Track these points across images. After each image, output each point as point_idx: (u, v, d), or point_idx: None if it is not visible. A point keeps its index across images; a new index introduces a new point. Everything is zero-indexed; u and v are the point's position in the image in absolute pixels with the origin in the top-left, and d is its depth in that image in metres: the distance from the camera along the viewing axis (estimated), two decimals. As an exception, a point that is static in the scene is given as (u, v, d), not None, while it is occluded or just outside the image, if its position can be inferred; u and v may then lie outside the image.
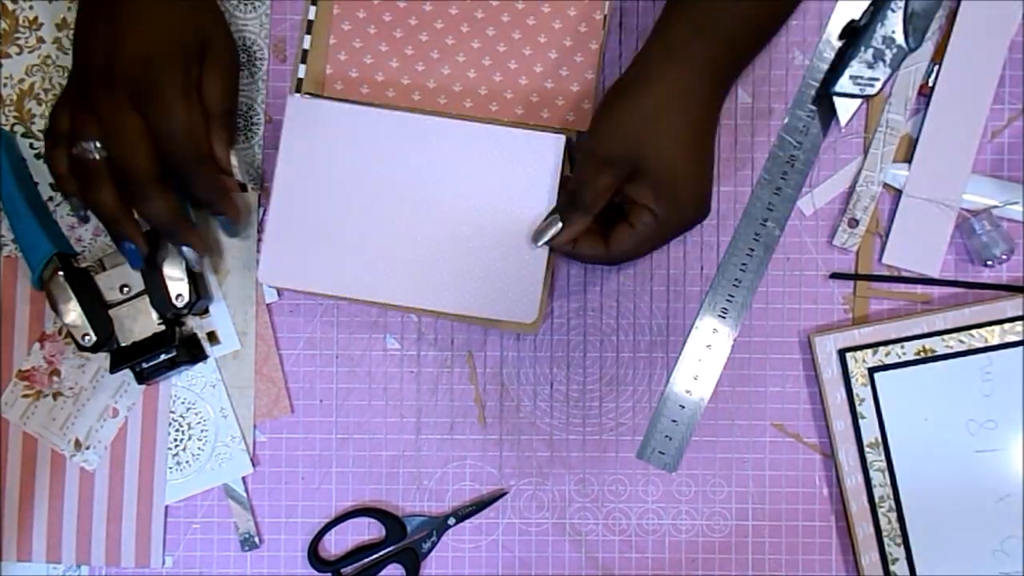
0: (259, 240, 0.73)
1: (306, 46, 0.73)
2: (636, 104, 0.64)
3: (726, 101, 0.72)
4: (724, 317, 0.73)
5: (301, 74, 0.73)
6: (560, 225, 0.68)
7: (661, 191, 0.64)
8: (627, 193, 0.66)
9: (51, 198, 0.73)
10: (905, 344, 0.71)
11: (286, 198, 0.70)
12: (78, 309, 0.69)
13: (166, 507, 0.74)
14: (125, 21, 0.64)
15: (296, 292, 0.72)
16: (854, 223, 0.73)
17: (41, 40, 0.73)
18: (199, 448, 0.73)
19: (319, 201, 0.70)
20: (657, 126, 0.64)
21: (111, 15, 0.64)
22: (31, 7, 0.73)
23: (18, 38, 0.73)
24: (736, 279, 0.73)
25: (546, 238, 0.68)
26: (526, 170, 0.70)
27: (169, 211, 0.66)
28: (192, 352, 0.72)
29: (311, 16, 0.73)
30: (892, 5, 0.67)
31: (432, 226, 0.70)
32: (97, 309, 0.70)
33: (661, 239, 0.66)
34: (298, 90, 0.73)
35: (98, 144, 0.65)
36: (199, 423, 0.73)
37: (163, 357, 0.71)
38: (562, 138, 0.69)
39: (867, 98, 0.70)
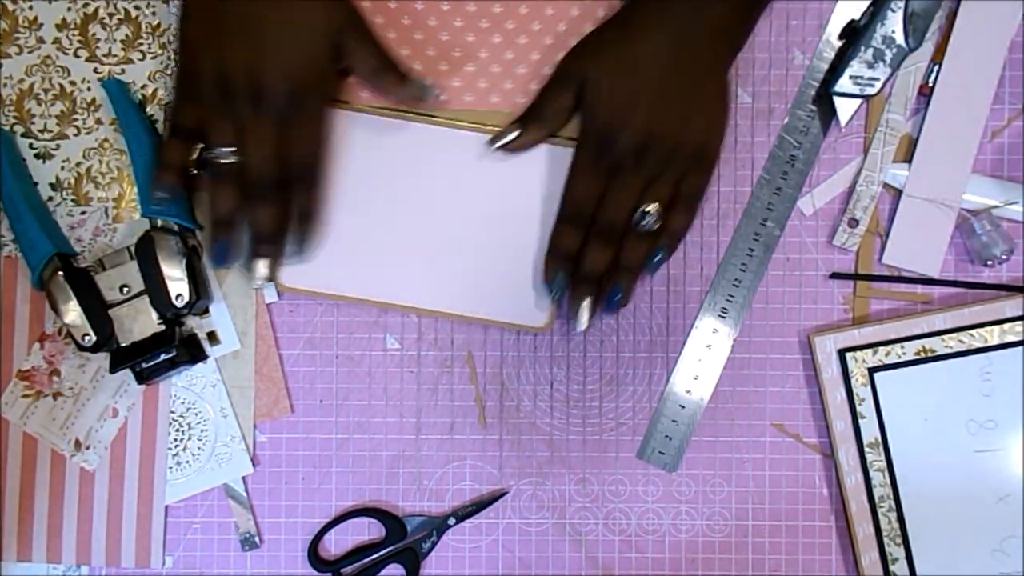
0: (259, 240, 0.73)
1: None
2: (602, 26, 0.69)
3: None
4: (724, 317, 0.73)
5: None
6: (519, 131, 0.70)
7: (587, 100, 0.68)
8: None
9: (50, 198, 0.73)
10: (905, 344, 0.71)
11: None
12: (78, 309, 0.69)
13: (166, 507, 0.74)
14: (267, 38, 0.65)
15: (314, 295, 0.73)
16: (854, 223, 0.73)
17: (41, 40, 0.73)
18: (199, 448, 0.73)
19: (338, 207, 0.72)
20: (607, 43, 0.68)
21: (249, 27, 0.65)
22: (31, 7, 0.73)
23: (18, 38, 0.73)
24: (736, 279, 0.73)
25: (503, 141, 0.70)
26: (538, 179, 0.72)
27: (279, 216, 0.69)
28: (192, 352, 0.72)
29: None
30: (892, 5, 0.67)
31: (446, 231, 0.72)
32: (97, 309, 0.70)
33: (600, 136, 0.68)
34: None
35: (232, 150, 0.67)
36: (199, 423, 0.73)
37: (163, 357, 0.71)
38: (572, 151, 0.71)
39: (867, 98, 0.70)
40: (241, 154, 0.67)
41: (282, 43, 0.65)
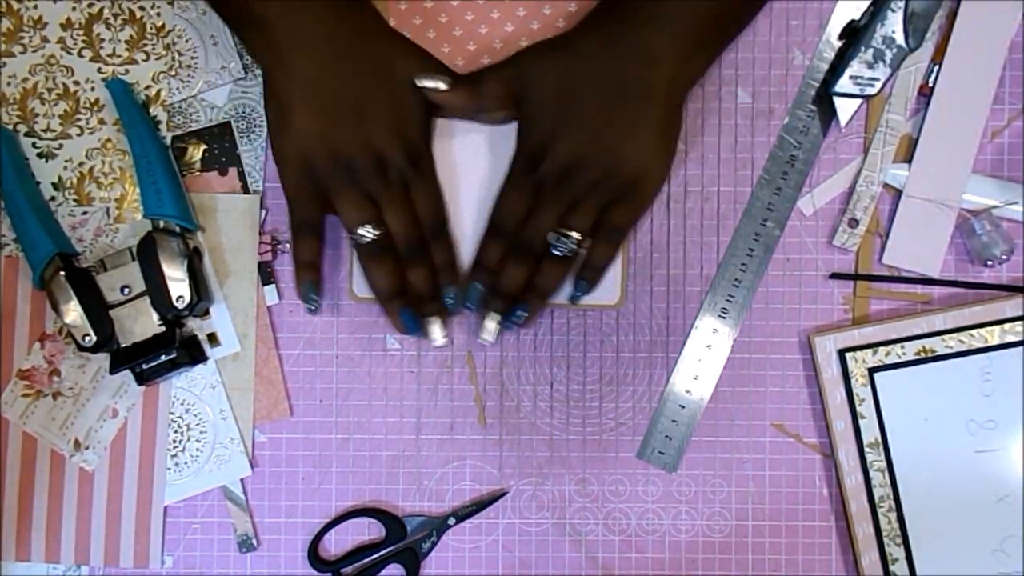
0: (260, 240, 0.73)
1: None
2: (555, 37, 0.68)
3: (723, 101, 0.72)
4: (724, 317, 0.73)
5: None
6: (448, 84, 0.67)
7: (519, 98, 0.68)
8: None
9: (52, 198, 0.73)
10: (905, 344, 0.71)
11: None
12: (79, 309, 0.69)
13: (165, 507, 0.74)
14: (380, 116, 0.66)
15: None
16: (854, 223, 0.73)
17: (45, 40, 0.73)
18: (198, 449, 0.73)
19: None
20: (553, 54, 0.67)
21: (361, 110, 0.66)
22: (35, 6, 0.73)
23: (22, 37, 0.73)
24: (736, 279, 0.73)
25: (428, 83, 0.67)
26: None
27: (432, 274, 0.70)
28: (192, 353, 0.72)
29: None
30: (892, 5, 0.67)
31: None
32: (98, 309, 0.70)
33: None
34: None
35: (373, 225, 0.67)
36: (198, 424, 0.73)
37: (163, 358, 0.71)
38: None
39: (867, 98, 0.70)
40: (382, 226, 0.67)
41: (393, 117, 0.66)
